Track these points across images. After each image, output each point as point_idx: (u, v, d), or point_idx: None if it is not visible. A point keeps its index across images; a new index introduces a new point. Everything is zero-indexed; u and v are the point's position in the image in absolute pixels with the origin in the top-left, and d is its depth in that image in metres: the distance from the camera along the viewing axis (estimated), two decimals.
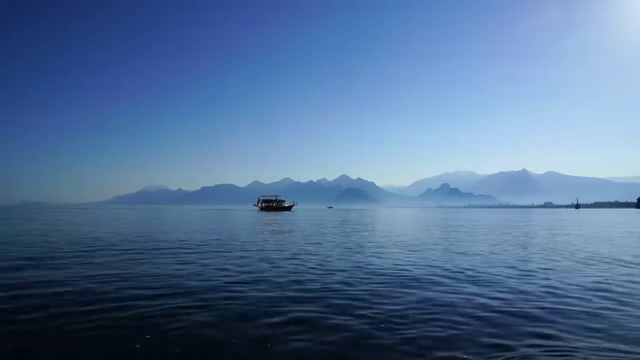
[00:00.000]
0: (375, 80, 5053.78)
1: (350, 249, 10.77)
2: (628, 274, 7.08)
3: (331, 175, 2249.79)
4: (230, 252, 9.92)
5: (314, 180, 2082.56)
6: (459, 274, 6.87)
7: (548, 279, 6.48)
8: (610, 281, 6.35)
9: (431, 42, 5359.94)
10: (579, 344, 3.45)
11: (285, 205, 74.24)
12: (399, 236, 15.34)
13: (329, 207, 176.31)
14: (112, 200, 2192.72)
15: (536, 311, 4.46)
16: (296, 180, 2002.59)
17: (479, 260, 8.56)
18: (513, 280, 6.35)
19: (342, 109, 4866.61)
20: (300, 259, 8.75)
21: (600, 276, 6.82)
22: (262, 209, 72.16)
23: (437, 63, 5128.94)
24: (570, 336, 3.67)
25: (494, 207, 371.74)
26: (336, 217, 39.74)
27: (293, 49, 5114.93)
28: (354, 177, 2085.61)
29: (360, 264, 7.94)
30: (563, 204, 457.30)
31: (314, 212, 72.32)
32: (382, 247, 11.30)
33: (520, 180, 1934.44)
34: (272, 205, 73.00)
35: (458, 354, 3.24)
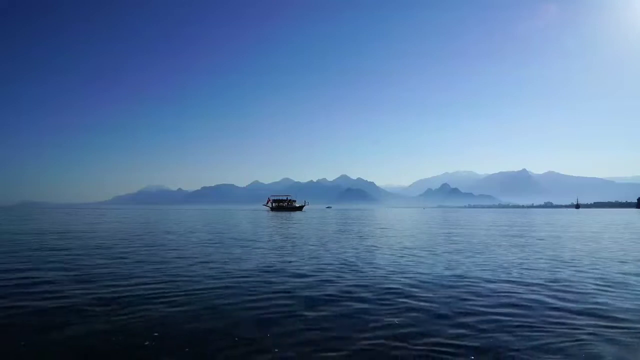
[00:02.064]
0: (375, 80, 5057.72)
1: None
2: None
3: (331, 175, 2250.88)
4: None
5: (314, 180, 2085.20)
6: None
7: None
8: None
9: (431, 42, 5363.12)
10: None
11: (297, 205, 74.06)
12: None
13: (327, 207, 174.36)
14: (112, 200, 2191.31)
15: None
16: (296, 180, 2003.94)
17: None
18: None
19: (342, 109, 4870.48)
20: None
21: None
22: (272, 208, 72.08)
23: (437, 63, 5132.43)
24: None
25: (494, 207, 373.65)
26: (364, 218, 40.24)
27: (293, 50, 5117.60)
28: (354, 177, 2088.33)
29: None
30: (563, 204, 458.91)
31: (323, 212, 72.92)
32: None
33: (520, 180, 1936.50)
34: (284, 205, 72.66)
35: None
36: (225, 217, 40.82)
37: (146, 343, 3.55)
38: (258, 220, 32.65)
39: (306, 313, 4.46)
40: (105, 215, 44.00)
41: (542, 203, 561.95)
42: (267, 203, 74.27)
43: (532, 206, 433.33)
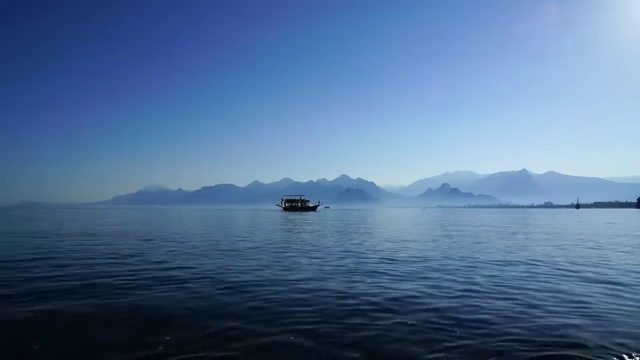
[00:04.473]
0: (375, 80, 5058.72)
1: None
2: None
3: (331, 175, 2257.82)
4: None
5: (314, 180, 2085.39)
6: None
7: None
8: None
9: (431, 42, 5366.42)
10: None
11: (310, 205, 72.09)
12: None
13: (325, 207, 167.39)
14: (112, 200, 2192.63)
15: None
16: (296, 180, 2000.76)
17: None
18: None
19: (342, 109, 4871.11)
20: None
21: None
22: (285, 209, 70.52)
23: (437, 63, 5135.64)
24: None
25: (494, 207, 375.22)
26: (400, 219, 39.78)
27: (293, 49, 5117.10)
28: (354, 177, 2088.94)
29: None
30: (563, 204, 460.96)
31: (325, 212, 72.06)
32: None
33: (520, 180, 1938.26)
34: (297, 205, 71.12)
35: None
36: (257, 218, 39.89)
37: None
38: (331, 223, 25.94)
39: None
40: (129, 215, 45.39)
41: (542, 203, 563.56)
42: (281, 203, 72.91)
43: (532, 206, 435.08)
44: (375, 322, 3.74)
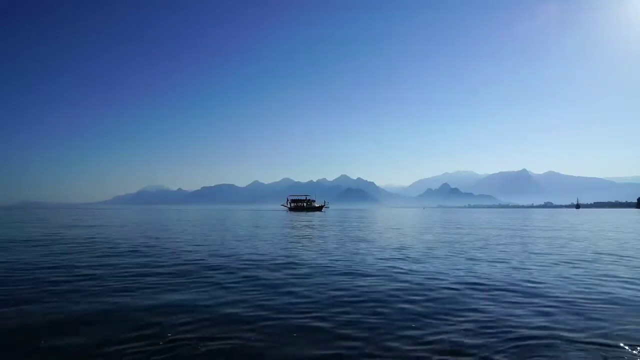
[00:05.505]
0: (375, 80, 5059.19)
1: None
2: None
3: (331, 175, 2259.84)
4: None
5: (314, 180, 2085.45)
6: None
7: None
8: None
9: (431, 42, 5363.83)
10: None
11: (316, 205, 71.50)
12: None
13: (325, 207, 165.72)
14: (112, 200, 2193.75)
15: None
16: (296, 180, 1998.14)
17: None
18: None
19: (342, 109, 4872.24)
20: None
21: None
22: (291, 209, 70.16)
23: (437, 63, 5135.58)
24: None
25: (494, 207, 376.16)
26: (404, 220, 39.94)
27: (293, 49, 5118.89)
28: (354, 177, 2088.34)
29: None
30: (563, 204, 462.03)
31: (335, 213, 71.52)
32: None
33: (520, 180, 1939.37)
34: (302, 205, 70.50)
35: None
36: (276, 219, 40.39)
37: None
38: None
39: None
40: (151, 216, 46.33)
41: (542, 203, 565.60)
42: (287, 203, 72.63)
43: (532, 206, 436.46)
44: None
